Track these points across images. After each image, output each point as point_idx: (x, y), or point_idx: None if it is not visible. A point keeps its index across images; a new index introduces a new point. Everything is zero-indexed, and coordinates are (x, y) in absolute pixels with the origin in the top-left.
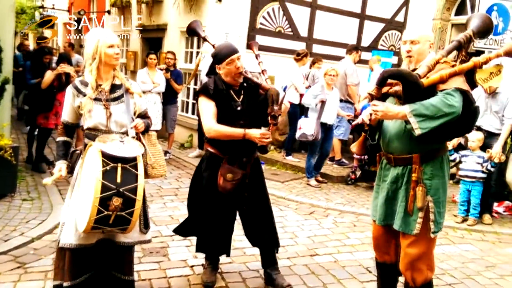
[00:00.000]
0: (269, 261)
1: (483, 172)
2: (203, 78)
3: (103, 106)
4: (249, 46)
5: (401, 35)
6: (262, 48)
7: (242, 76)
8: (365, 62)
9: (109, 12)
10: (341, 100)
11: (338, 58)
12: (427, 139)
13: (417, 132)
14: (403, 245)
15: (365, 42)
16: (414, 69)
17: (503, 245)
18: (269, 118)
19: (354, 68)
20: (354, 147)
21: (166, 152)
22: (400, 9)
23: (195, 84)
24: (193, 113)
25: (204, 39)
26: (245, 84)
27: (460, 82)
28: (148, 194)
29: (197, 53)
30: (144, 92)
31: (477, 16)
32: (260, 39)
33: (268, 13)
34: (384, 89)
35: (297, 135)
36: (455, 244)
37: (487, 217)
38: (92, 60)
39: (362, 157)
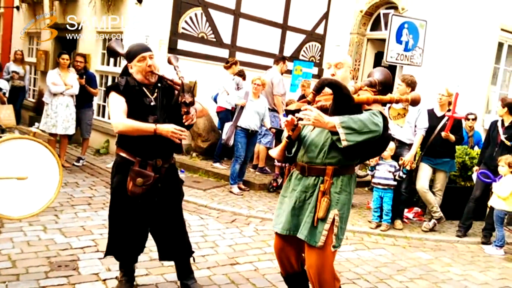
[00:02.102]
0: (184, 272)
1: (394, 179)
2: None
3: None
4: (168, 61)
5: (321, 46)
6: (185, 53)
7: (155, 75)
8: (290, 72)
9: (17, 8)
10: (273, 110)
11: (260, 67)
12: (345, 154)
13: (344, 143)
14: (307, 256)
15: (287, 52)
16: None
17: (413, 249)
18: (181, 108)
19: (281, 78)
20: (274, 153)
21: (79, 158)
22: (320, 22)
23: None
24: (110, 117)
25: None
26: (159, 84)
27: (381, 108)
28: (57, 203)
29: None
30: (55, 95)
31: (379, 70)
32: (183, 44)
33: (190, 18)
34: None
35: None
36: (369, 249)
37: (398, 223)
38: None
39: (284, 164)
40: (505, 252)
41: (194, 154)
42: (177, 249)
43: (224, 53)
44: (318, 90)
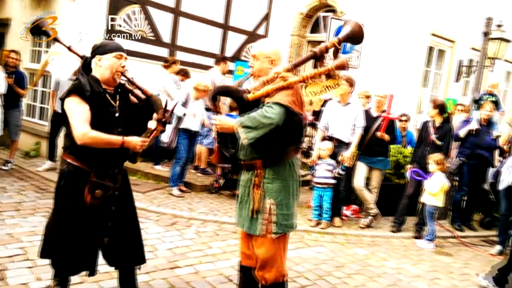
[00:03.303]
0: (129, 279)
1: (333, 178)
2: (60, 79)
3: None
4: None
5: None
6: None
7: (120, 78)
8: (232, 72)
9: None
10: (209, 109)
11: (201, 67)
12: (263, 148)
13: (245, 142)
14: (253, 245)
15: (229, 53)
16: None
17: (351, 245)
18: (155, 124)
19: (222, 78)
20: (212, 157)
21: (7, 162)
22: (261, 23)
23: (44, 86)
24: (40, 118)
25: (56, 40)
26: (119, 90)
27: (283, 96)
28: None
29: (47, 52)
30: None
31: (349, 23)
32: (120, 43)
33: (128, 15)
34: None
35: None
36: (310, 247)
37: (337, 220)
38: None
39: (226, 165)
40: (435, 246)
41: None
42: (133, 255)
43: (163, 52)
44: (212, 98)
